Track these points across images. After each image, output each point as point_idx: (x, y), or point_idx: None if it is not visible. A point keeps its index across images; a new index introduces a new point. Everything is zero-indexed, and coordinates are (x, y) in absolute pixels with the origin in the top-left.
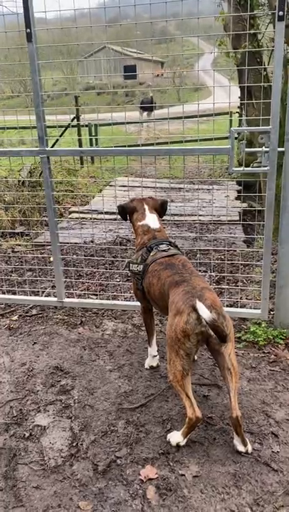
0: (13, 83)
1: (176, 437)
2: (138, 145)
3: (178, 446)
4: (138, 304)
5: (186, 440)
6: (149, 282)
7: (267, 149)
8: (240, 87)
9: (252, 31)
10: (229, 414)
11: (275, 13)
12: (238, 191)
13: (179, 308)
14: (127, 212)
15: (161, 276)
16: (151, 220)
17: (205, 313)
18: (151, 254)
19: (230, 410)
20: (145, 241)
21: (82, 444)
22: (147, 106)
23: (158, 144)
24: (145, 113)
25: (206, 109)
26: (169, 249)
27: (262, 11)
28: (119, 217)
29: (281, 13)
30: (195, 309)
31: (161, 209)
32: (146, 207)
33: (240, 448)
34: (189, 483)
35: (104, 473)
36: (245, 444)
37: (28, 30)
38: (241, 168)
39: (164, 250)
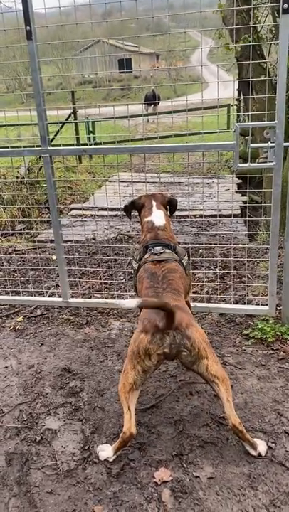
0: (8, 79)
1: (106, 452)
2: (141, 139)
3: (106, 461)
4: None
5: (115, 456)
6: (138, 283)
7: (273, 144)
8: (239, 80)
9: (252, 24)
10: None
11: (279, 5)
12: (238, 184)
13: (145, 325)
14: (136, 208)
15: (143, 285)
16: (157, 216)
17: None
18: (145, 256)
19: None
20: (147, 239)
21: (94, 447)
22: (152, 100)
23: (161, 137)
24: (150, 107)
25: (204, 101)
26: (162, 252)
27: (260, 3)
28: (120, 213)
29: (286, 5)
30: (159, 330)
31: (170, 206)
32: (154, 203)
33: (252, 452)
34: (204, 485)
35: (118, 477)
36: (254, 448)
37: (28, 27)
38: (247, 164)
39: (156, 254)
